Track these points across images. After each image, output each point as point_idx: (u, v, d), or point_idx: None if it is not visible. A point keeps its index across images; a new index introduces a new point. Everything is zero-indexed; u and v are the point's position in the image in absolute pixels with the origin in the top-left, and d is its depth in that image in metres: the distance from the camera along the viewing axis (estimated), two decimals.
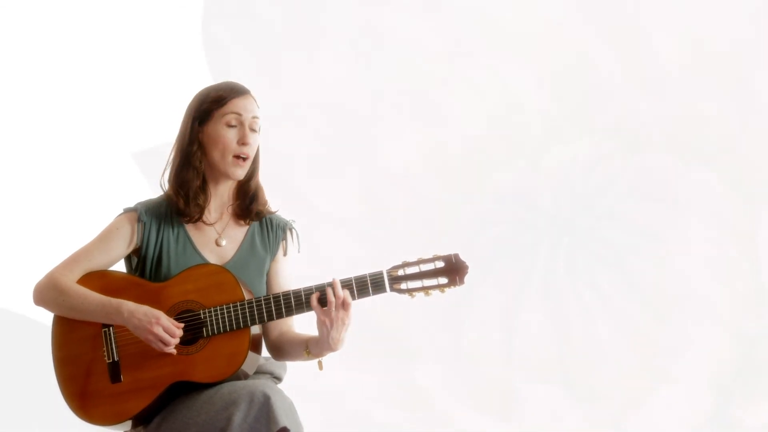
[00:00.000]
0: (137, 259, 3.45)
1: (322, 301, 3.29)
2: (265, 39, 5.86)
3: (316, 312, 3.30)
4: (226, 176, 3.44)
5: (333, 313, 3.28)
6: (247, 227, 3.50)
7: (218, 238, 3.47)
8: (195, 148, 3.42)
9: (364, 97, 5.86)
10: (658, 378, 5.71)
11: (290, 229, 3.54)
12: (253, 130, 3.43)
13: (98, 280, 3.38)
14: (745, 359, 5.73)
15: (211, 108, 3.43)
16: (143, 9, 5.76)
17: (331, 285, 3.29)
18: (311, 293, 3.31)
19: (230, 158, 3.41)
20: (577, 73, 5.84)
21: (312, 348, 3.36)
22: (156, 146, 5.52)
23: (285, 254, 3.52)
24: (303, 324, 3.49)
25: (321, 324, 3.30)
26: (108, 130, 5.71)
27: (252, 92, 3.48)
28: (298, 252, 3.55)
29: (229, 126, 3.42)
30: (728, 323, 5.71)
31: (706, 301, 5.68)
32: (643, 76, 5.79)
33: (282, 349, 3.46)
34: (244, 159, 3.41)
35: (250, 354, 3.31)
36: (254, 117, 3.43)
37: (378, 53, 5.86)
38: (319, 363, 3.39)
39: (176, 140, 3.49)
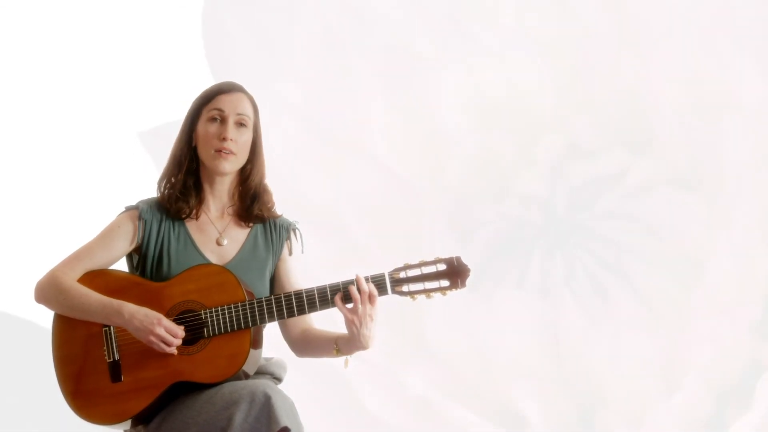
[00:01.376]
0: (138, 257, 3.45)
1: (344, 299, 3.30)
2: (263, 22, 5.85)
3: (342, 312, 3.31)
4: (215, 172, 3.45)
5: (360, 310, 3.29)
6: (250, 228, 3.50)
7: (219, 238, 3.48)
8: (185, 147, 3.46)
9: (359, 92, 5.85)
10: (657, 383, 5.70)
11: (294, 230, 3.55)
12: (241, 125, 3.44)
13: (99, 279, 3.39)
14: (750, 370, 5.70)
15: (200, 107, 3.47)
16: None
17: (355, 281, 3.30)
18: (324, 294, 3.32)
19: (212, 152, 3.42)
20: (579, 63, 5.82)
21: (342, 346, 3.36)
22: (160, 125, 5.53)
23: (291, 254, 3.53)
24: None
25: (350, 324, 3.30)
26: (111, 113, 5.70)
27: (248, 91, 3.50)
28: (302, 252, 3.55)
29: (212, 121, 3.44)
30: (734, 328, 5.67)
31: (709, 304, 5.65)
32: (648, 66, 5.76)
33: (308, 348, 3.47)
34: (227, 153, 3.41)
35: (251, 354, 3.32)
36: (239, 113, 3.44)
37: (372, 47, 5.84)
38: (346, 361, 3.40)
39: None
